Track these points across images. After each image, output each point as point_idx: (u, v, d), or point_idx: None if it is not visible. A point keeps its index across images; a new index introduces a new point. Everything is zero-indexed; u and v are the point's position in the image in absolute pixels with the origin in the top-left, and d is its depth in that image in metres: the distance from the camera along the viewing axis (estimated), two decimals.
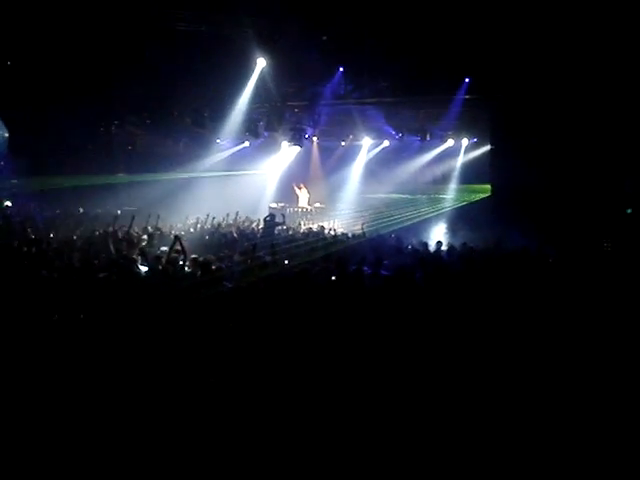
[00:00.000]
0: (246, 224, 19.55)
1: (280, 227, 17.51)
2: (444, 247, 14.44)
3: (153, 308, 6.66)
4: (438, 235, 20.10)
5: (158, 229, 15.25)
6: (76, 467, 4.60)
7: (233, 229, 17.31)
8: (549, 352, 6.49)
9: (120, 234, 13.38)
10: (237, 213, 19.23)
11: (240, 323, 6.57)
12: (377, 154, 26.91)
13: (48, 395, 5.26)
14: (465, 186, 24.93)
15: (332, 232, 17.67)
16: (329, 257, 11.59)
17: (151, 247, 12.33)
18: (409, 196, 26.33)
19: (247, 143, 25.87)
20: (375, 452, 4.95)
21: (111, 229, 13.72)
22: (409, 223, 21.23)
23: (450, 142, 24.66)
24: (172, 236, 14.05)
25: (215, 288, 7.40)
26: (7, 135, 19.27)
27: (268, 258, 10.10)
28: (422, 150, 25.32)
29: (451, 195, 25.44)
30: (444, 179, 26.03)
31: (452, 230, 20.87)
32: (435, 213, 23.65)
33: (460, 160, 25.22)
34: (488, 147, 21.46)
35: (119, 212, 17.77)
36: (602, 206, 16.76)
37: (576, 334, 6.95)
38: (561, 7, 13.36)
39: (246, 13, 13.66)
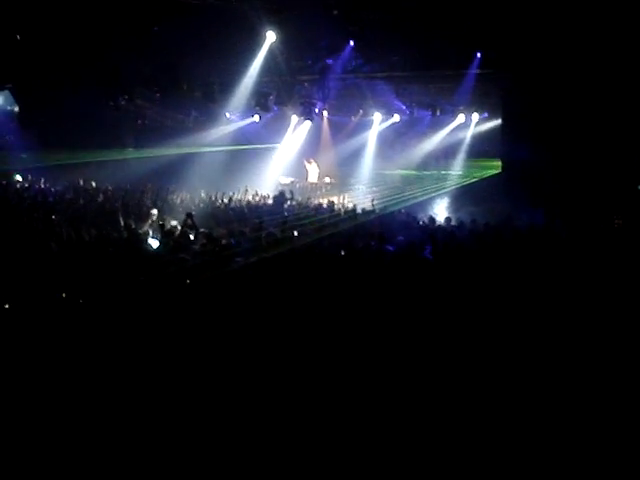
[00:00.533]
0: (256, 198, 19.57)
1: (289, 203, 17.53)
2: (454, 223, 14.42)
3: (163, 284, 6.67)
4: (447, 211, 20.04)
5: (167, 201, 15.32)
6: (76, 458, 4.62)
7: (243, 203, 17.36)
8: (562, 331, 6.47)
9: (129, 208, 13.44)
10: (246, 187, 19.25)
11: (250, 299, 6.57)
12: (388, 129, 26.75)
13: (52, 377, 5.27)
14: (475, 161, 24.80)
15: (342, 208, 17.61)
16: (339, 233, 11.60)
17: (161, 221, 12.36)
18: (419, 172, 26.24)
19: (257, 117, 25.76)
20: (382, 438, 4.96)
21: (120, 203, 13.77)
22: (419, 199, 21.15)
23: (461, 118, 24.48)
24: (181, 209, 14.14)
25: (226, 264, 7.42)
26: (17, 109, 19.26)
27: (278, 234, 10.12)
28: (433, 125, 25.19)
29: (461, 171, 25.32)
30: (454, 155, 25.89)
31: (462, 207, 20.78)
32: (445, 189, 23.54)
33: (470, 135, 25.07)
34: (499, 122, 21.34)
35: (128, 186, 17.84)
36: (613, 182, 16.66)
37: (589, 314, 6.92)
38: None
39: None
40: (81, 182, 18.48)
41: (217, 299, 6.54)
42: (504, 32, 15.82)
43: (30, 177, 18.67)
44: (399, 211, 17.17)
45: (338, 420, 5.03)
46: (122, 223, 11.36)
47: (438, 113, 23.28)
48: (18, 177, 18.88)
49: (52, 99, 18.78)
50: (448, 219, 15.11)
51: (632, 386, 5.46)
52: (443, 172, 25.68)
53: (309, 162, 26.77)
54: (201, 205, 16.77)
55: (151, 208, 13.94)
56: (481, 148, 24.34)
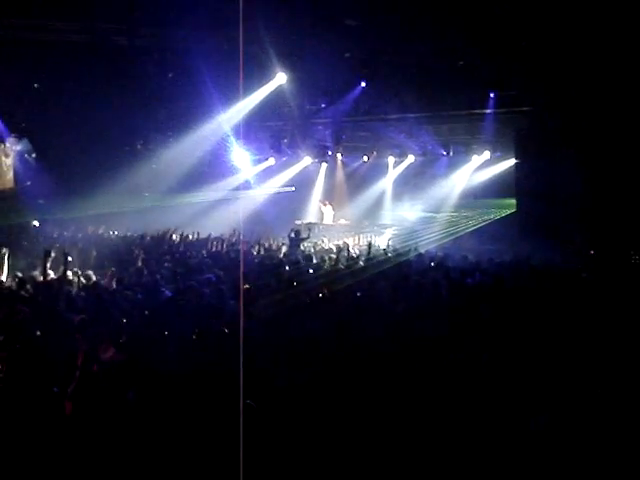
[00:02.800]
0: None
1: (305, 243, 17.50)
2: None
3: None
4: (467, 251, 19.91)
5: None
6: None
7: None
8: (583, 366, 6.39)
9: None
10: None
11: None
12: (402, 171, 26.85)
13: None
14: (490, 201, 24.76)
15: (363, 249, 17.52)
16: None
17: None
18: (434, 214, 26.17)
19: (272, 160, 25.91)
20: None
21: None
22: (438, 240, 21.06)
23: (477, 158, 24.52)
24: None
25: None
26: (34, 155, 19.50)
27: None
28: (449, 167, 25.26)
29: (477, 211, 25.25)
30: (469, 195, 25.86)
31: (478, 245, 20.67)
32: (462, 230, 23.50)
33: (485, 175, 25.06)
34: (512, 161, 21.34)
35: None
36: (628, 218, 16.55)
37: (608, 348, 6.84)
38: (585, 19, 13.22)
39: (268, 30, 13.69)
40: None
41: None
42: (518, 72, 15.89)
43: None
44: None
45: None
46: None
47: (451, 153, 23.36)
48: (35, 223, 19.06)
49: (68, 145, 19.01)
50: (465, 257, 15.07)
51: None
52: (458, 213, 25.58)
53: (324, 204, 26.78)
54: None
55: None
56: (496, 188, 24.30)
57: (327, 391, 5.55)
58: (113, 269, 11.59)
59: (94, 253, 13.52)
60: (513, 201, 20.76)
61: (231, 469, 4.22)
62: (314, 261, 13.86)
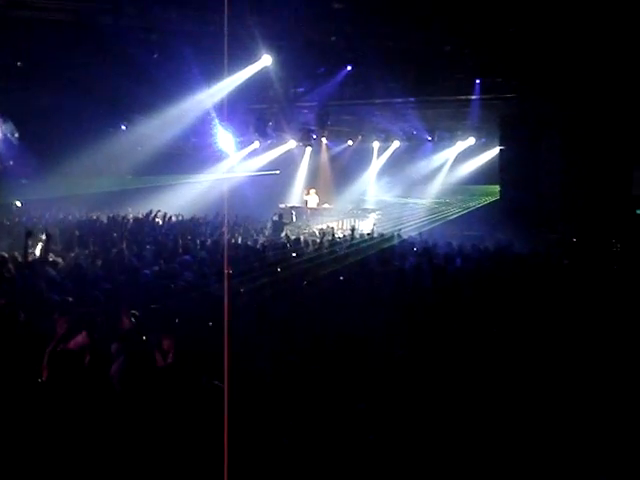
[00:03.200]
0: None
1: (288, 227, 17.50)
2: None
3: None
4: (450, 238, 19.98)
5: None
6: None
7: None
8: (564, 353, 6.45)
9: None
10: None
11: None
12: (387, 155, 26.86)
13: None
14: (474, 187, 24.84)
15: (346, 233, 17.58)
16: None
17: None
18: (418, 200, 26.21)
19: (257, 143, 25.84)
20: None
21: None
22: (421, 226, 21.09)
23: (461, 144, 24.57)
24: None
25: None
26: (17, 135, 19.31)
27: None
28: (433, 152, 25.29)
29: (461, 198, 25.33)
30: (453, 182, 25.93)
31: (462, 233, 20.73)
32: (446, 217, 23.59)
33: (469, 162, 25.12)
34: (497, 148, 21.39)
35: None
36: (612, 207, 16.67)
37: (590, 336, 6.91)
38: (572, 8, 13.22)
39: (254, 12, 13.57)
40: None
41: None
42: (504, 59, 15.87)
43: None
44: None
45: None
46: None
47: (436, 139, 23.41)
48: (18, 203, 18.94)
49: (51, 126, 18.86)
50: (449, 243, 15.14)
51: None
52: (442, 199, 25.62)
53: (308, 193, 26.67)
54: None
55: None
56: (481, 175, 24.37)
57: (308, 374, 5.57)
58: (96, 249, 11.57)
59: (77, 233, 13.46)
60: (497, 188, 20.85)
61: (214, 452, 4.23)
62: (298, 245, 13.89)
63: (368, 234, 15.90)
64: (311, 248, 13.39)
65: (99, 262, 10.53)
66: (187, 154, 24.83)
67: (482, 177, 23.91)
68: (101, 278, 8.96)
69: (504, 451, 4.79)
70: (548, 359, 6.28)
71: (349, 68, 16.59)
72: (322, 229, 17.81)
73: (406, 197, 26.73)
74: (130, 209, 20.17)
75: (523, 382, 5.74)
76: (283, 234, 17.04)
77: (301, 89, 18.63)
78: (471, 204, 24.35)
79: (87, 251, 11.59)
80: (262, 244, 14.16)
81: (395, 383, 5.53)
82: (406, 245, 14.55)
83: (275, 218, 17.96)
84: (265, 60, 16.15)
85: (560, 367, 6.08)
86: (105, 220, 17.29)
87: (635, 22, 12.61)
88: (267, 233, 17.77)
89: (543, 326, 7.21)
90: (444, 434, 4.89)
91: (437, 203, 25.42)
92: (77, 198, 20.75)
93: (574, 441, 4.94)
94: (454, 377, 5.76)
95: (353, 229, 15.64)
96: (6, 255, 10.12)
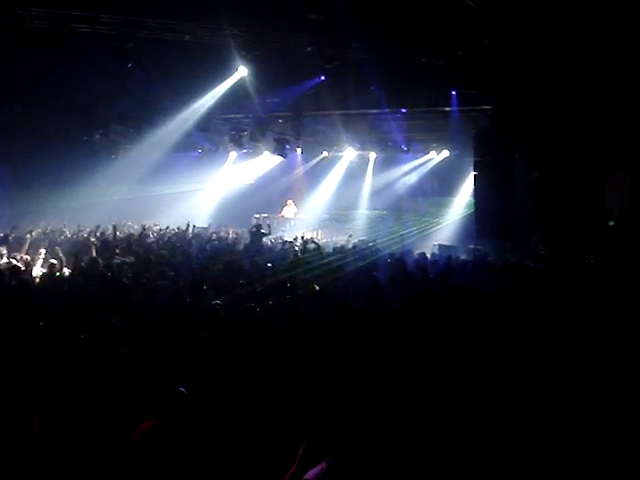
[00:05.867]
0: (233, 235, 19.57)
1: (267, 237, 17.53)
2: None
3: None
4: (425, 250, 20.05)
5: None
6: None
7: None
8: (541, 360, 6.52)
9: None
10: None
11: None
12: (361, 165, 26.96)
13: None
14: (447, 199, 24.99)
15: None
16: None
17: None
18: (392, 212, 26.24)
19: (233, 154, 25.85)
20: None
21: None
22: (392, 237, 21.15)
23: (434, 155, 24.73)
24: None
25: None
26: None
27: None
28: (407, 163, 25.39)
29: (435, 209, 25.45)
30: (427, 193, 26.06)
31: (441, 245, 20.79)
32: (422, 227, 23.72)
33: (443, 173, 25.27)
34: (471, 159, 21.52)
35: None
36: (584, 219, 16.82)
37: (563, 344, 6.97)
38: (548, 20, 13.35)
39: (229, 23, 13.59)
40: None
41: None
42: (479, 71, 15.97)
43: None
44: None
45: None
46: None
47: (411, 151, 23.53)
48: None
49: (25, 134, 18.68)
50: (422, 254, 15.23)
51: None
52: (417, 213, 25.64)
53: (287, 204, 26.60)
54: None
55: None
56: (454, 186, 24.52)
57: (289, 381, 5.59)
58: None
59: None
60: (471, 200, 20.96)
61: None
62: (275, 255, 13.98)
63: (341, 246, 16.10)
64: (290, 258, 13.48)
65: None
66: (163, 165, 24.72)
67: (457, 189, 24.10)
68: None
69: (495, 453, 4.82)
70: (520, 369, 6.34)
71: (323, 78, 16.60)
72: (303, 239, 17.79)
73: (380, 210, 26.77)
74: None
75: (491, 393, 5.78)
76: (261, 245, 17.05)
77: (276, 99, 18.64)
78: (447, 217, 24.49)
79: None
80: (238, 254, 14.20)
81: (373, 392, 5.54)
82: (382, 257, 14.62)
83: (253, 230, 17.92)
84: (241, 71, 16.14)
85: (534, 374, 6.14)
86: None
87: (607, 36, 12.77)
88: (243, 243, 17.78)
89: (515, 336, 7.26)
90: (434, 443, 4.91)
91: (411, 217, 25.46)
92: (54, 210, 20.46)
93: (558, 447, 4.97)
94: (431, 389, 5.78)
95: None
96: None
